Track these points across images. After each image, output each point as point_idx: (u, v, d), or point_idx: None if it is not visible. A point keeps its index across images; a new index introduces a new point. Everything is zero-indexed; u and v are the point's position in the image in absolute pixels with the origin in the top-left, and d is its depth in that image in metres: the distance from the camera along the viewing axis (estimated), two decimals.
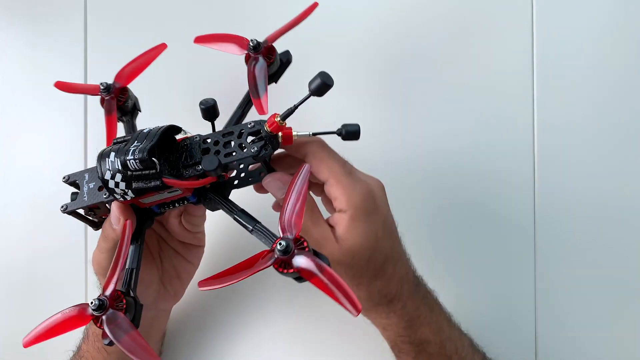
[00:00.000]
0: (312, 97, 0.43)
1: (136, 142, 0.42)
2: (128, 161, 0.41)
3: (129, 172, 0.41)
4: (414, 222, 0.58)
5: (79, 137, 0.63)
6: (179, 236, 0.52)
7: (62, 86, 0.52)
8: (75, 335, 0.53)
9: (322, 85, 0.41)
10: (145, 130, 0.43)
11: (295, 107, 0.43)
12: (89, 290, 0.61)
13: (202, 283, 0.39)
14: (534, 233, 0.59)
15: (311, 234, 0.44)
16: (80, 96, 0.62)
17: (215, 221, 0.55)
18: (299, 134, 0.45)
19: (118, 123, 0.51)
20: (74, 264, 0.61)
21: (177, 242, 0.53)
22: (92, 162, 0.62)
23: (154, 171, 0.41)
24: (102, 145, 0.49)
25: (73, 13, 0.63)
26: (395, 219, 0.47)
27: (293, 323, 0.58)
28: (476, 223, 0.59)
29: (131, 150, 0.41)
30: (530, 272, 0.58)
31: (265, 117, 0.45)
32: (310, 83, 0.42)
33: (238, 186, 0.47)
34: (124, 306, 0.41)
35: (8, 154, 0.63)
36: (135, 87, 0.51)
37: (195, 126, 0.48)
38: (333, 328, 0.56)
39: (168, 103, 0.62)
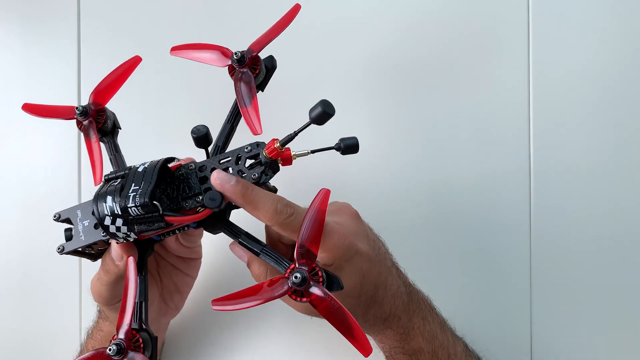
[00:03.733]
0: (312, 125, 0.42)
1: (133, 185, 0.40)
2: (129, 208, 0.39)
3: (130, 217, 0.40)
4: (410, 231, 0.59)
5: (72, 138, 0.61)
6: (177, 252, 0.51)
7: (30, 109, 0.48)
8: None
9: (323, 114, 0.40)
10: (140, 169, 0.41)
11: (296, 133, 0.41)
12: (83, 290, 0.61)
13: (215, 303, 0.39)
14: (529, 241, 0.59)
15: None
16: (74, 95, 0.61)
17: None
18: (297, 153, 0.44)
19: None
20: (68, 265, 0.60)
21: (174, 257, 0.52)
22: (85, 164, 0.61)
23: (156, 214, 0.40)
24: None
25: (66, 12, 0.62)
26: (390, 226, 0.48)
27: (295, 330, 0.59)
28: (472, 230, 0.59)
29: (131, 197, 0.39)
30: (525, 279, 0.59)
31: (259, 138, 0.44)
32: (311, 111, 0.41)
33: (237, 207, 0.46)
34: (141, 345, 0.41)
35: (0, 155, 0.62)
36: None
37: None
38: (333, 337, 0.57)
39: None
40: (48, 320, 0.61)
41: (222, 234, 0.45)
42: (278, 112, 0.46)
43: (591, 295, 0.60)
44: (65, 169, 0.61)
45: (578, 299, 0.60)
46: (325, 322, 0.47)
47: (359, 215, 0.47)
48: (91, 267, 0.58)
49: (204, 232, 0.51)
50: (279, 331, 0.58)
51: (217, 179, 0.41)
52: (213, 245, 0.55)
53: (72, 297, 0.61)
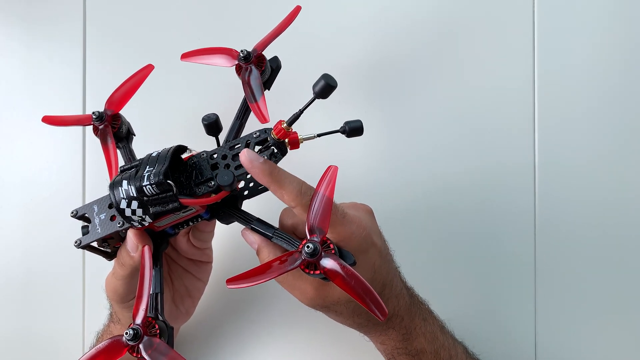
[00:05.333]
0: (316, 100, 0.43)
1: (148, 167, 0.41)
2: (144, 187, 0.40)
3: (145, 198, 0.41)
4: (411, 228, 0.59)
5: (77, 140, 0.62)
6: (188, 254, 0.52)
7: (50, 120, 0.51)
8: None
9: (326, 86, 0.42)
10: (154, 154, 0.43)
11: (301, 111, 0.43)
12: (87, 291, 0.61)
13: (230, 281, 0.39)
14: (534, 244, 0.59)
15: (307, 278, 0.44)
16: (79, 99, 0.62)
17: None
18: (304, 137, 0.45)
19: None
20: (71, 266, 0.61)
21: (186, 260, 0.53)
22: (90, 166, 0.62)
23: (171, 193, 0.41)
24: (100, 149, 0.48)
25: (72, 16, 0.63)
26: (390, 223, 0.49)
27: (299, 330, 0.59)
28: (475, 227, 0.60)
29: (146, 176, 0.41)
30: (530, 282, 0.59)
31: (267, 126, 0.45)
32: (314, 86, 0.43)
33: (248, 196, 0.48)
34: (158, 331, 0.41)
35: (4, 157, 0.63)
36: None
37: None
38: (337, 334, 0.57)
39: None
40: (51, 321, 0.61)
41: (231, 232, 0.46)
42: (280, 108, 0.48)
43: (597, 296, 0.59)
44: (70, 171, 0.61)
45: (583, 298, 0.59)
46: (328, 319, 0.47)
47: (373, 212, 0.48)
48: (94, 268, 0.60)
49: (214, 235, 0.52)
50: (284, 334, 0.59)
51: (246, 156, 0.42)
52: (223, 250, 0.56)
53: (76, 298, 0.61)
